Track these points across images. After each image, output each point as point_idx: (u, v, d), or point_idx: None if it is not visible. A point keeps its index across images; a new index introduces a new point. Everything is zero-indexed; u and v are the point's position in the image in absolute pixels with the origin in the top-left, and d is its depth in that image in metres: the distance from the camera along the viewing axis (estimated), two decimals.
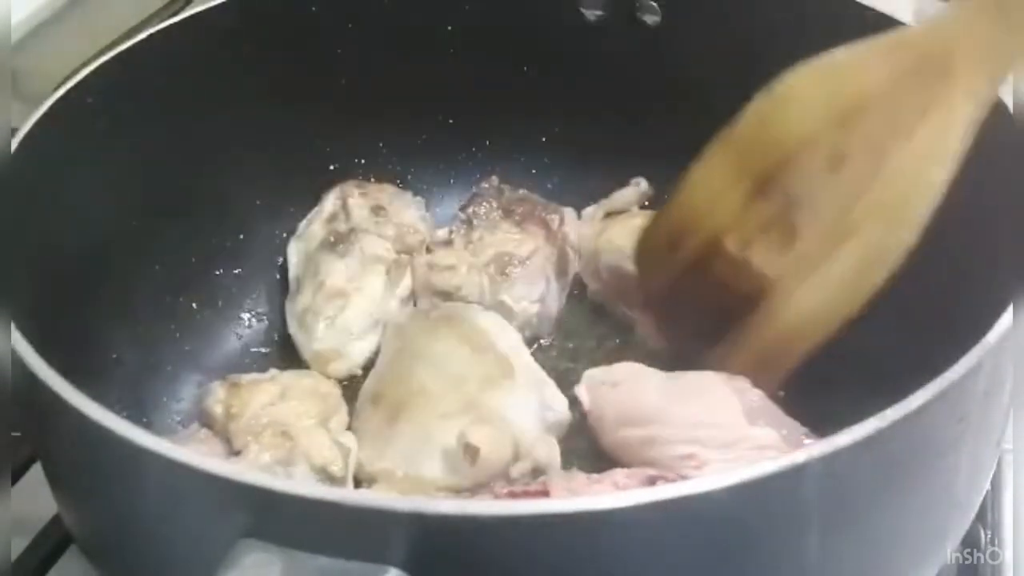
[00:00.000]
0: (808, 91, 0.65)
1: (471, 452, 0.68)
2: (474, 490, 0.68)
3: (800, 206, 0.65)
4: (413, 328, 0.78)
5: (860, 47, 0.64)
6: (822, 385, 0.73)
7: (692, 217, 0.69)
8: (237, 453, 0.68)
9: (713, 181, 0.68)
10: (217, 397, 0.71)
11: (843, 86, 0.64)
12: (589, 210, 0.88)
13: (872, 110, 0.63)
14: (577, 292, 0.86)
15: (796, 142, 0.65)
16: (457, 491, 0.69)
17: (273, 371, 0.74)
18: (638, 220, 0.82)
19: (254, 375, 0.73)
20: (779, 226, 0.66)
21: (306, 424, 0.70)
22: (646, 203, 0.87)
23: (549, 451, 0.69)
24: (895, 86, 0.63)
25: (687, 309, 0.71)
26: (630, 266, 0.79)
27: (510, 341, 0.76)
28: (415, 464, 0.70)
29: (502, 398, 0.72)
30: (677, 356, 0.74)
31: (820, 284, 0.65)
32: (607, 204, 0.87)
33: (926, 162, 0.62)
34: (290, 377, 0.73)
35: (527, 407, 0.72)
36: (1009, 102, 0.63)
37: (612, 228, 0.84)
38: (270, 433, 0.68)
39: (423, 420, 0.71)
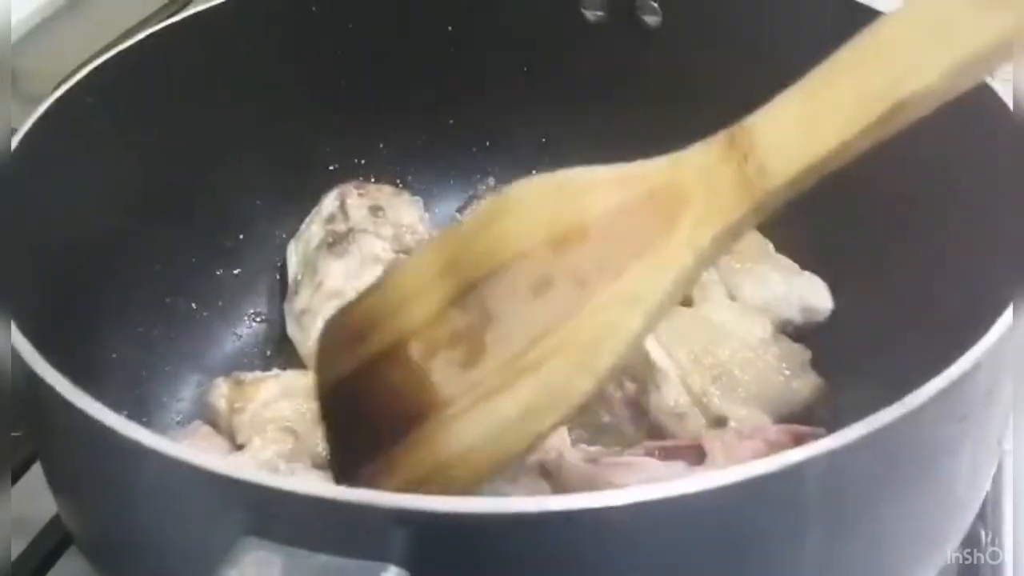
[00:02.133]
0: (537, 204, 0.59)
1: None
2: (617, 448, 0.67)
3: (494, 326, 0.58)
4: None
5: (599, 170, 0.59)
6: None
7: (385, 311, 0.61)
8: (240, 448, 0.68)
9: (418, 276, 0.61)
10: (221, 392, 0.71)
11: (569, 206, 0.58)
12: None
13: (589, 239, 0.57)
14: None
15: (510, 255, 0.58)
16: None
17: (276, 370, 0.75)
18: None
19: (257, 373, 0.74)
20: (468, 342, 0.59)
21: (308, 421, 0.70)
22: None
23: (559, 434, 0.69)
24: (616, 218, 0.57)
25: (356, 411, 0.63)
26: None
27: None
28: None
29: None
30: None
31: (486, 417, 0.57)
32: None
33: (626, 307, 0.56)
34: (291, 376, 0.74)
35: None
36: (1009, 101, 0.63)
37: None
38: (273, 428, 0.69)
39: None
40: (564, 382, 0.56)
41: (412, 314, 0.60)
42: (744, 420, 0.71)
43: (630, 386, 0.73)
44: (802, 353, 0.74)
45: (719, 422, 0.70)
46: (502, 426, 0.57)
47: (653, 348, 0.72)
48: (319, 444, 0.68)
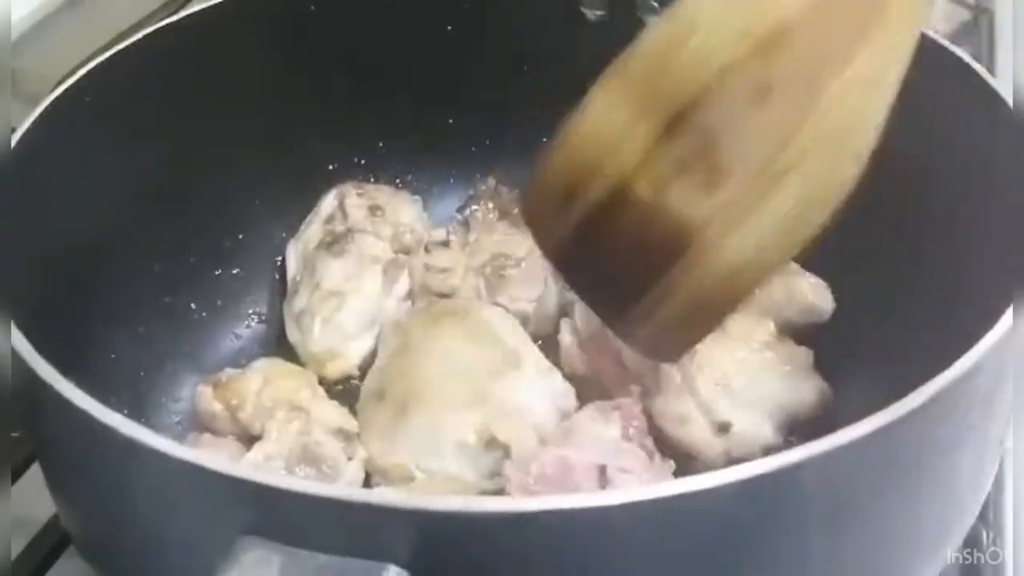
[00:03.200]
0: (719, 17, 0.58)
1: (500, 448, 0.68)
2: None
3: (722, 144, 0.58)
4: (413, 325, 0.78)
5: None
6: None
7: (589, 162, 0.60)
8: (253, 441, 0.69)
9: (611, 120, 0.59)
10: (209, 396, 0.72)
11: (759, 11, 0.57)
12: None
13: (798, 37, 0.57)
14: None
15: (709, 75, 0.57)
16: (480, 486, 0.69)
17: (251, 363, 0.76)
18: None
19: (229, 370, 0.74)
20: (699, 166, 0.58)
21: (305, 395, 0.71)
22: None
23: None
24: (819, 10, 0.57)
25: (597, 264, 0.62)
26: None
27: (514, 332, 0.76)
28: (429, 458, 0.70)
29: (514, 388, 0.72)
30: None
31: (758, 225, 0.58)
32: None
33: (867, 89, 0.57)
34: (263, 364, 0.75)
35: (541, 396, 0.72)
36: (1009, 100, 0.63)
37: None
38: (281, 408, 0.69)
39: (433, 414, 0.72)
40: (828, 175, 0.57)
41: (622, 158, 0.59)
42: (747, 425, 0.71)
43: (634, 388, 0.73)
44: (806, 356, 0.74)
45: (723, 428, 0.70)
46: (780, 226, 0.57)
47: None
48: (328, 414, 0.70)
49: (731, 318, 0.74)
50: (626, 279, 0.60)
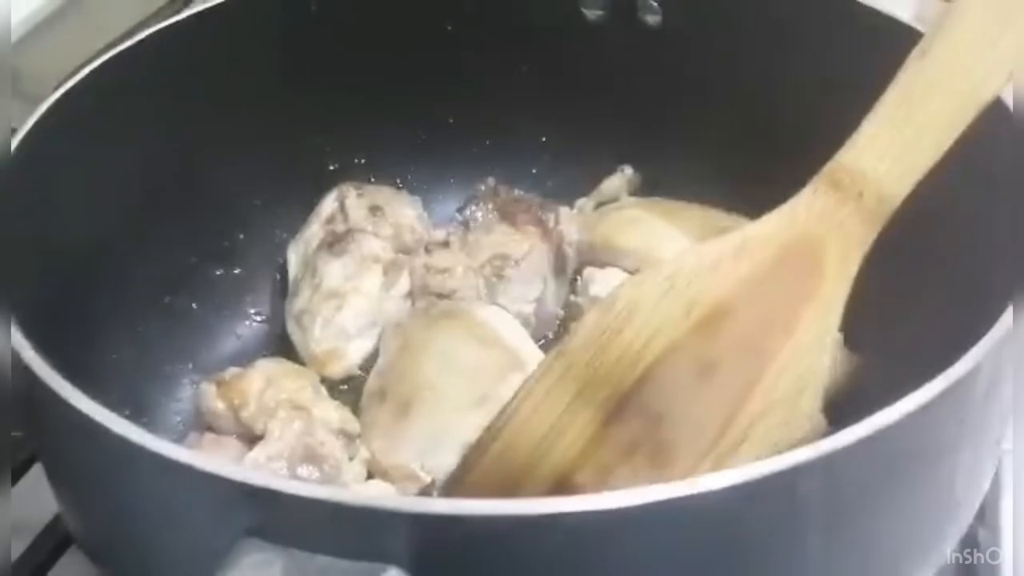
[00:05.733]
0: (654, 304, 0.58)
1: None
2: None
3: (668, 422, 0.57)
4: (413, 326, 0.78)
5: (705, 249, 0.60)
6: None
7: (525, 458, 0.59)
8: (255, 440, 0.69)
9: (548, 414, 0.59)
10: (213, 394, 0.72)
11: (696, 293, 0.58)
12: (581, 201, 0.89)
13: (740, 311, 0.58)
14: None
15: (654, 357, 0.57)
16: None
17: (255, 363, 0.75)
18: (628, 212, 0.83)
19: (232, 369, 0.74)
20: (646, 447, 0.57)
21: (307, 395, 0.71)
22: (634, 191, 0.89)
23: None
24: (757, 284, 0.58)
25: None
26: (627, 264, 0.80)
27: (514, 333, 0.76)
28: (432, 459, 0.70)
29: (516, 389, 0.72)
30: None
31: None
32: (597, 195, 0.88)
33: (814, 352, 0.58)
34: (266, 364, 0.75)
35: None
36: (1009, 102, 0.63)
37: (605, 223, 0.84)
38: (284, 407, 0.70)
39: (436, 414, 0.72)
40: (780, 439, 0.57)
41: (562, 452, 0.58)
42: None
43: None
44: (835, 338, 0.73)
45: None
46: None
47: None
48: (329, 414, 0.70)
49: None
50: None
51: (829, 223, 0.59)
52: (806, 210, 0.59)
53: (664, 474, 0.56)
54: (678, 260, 0.60)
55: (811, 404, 0.58)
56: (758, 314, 0.58)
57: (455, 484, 0.64)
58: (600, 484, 0.57)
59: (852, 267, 0.59)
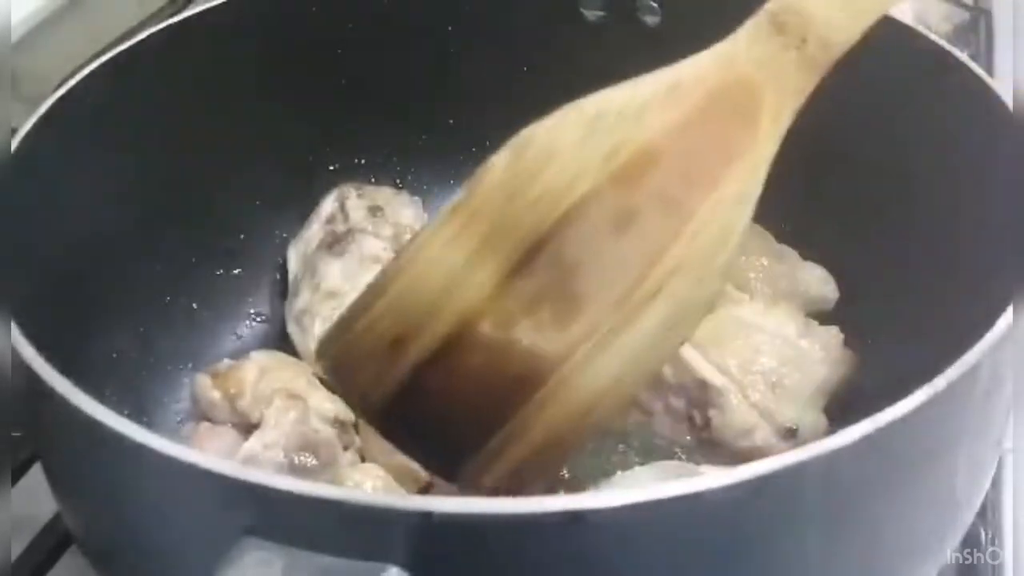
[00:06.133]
0: (579, 143, 0.55)
1: None
2: None
3: (579, 274, 0.54)
4: None
5: (638, 87, 0.56)
6: None
7: (422, 305, 0.55)
8: (251, 429, 0.69)
9: (451, 262, 0.55)
10: (208, 384, 0.72)
11: (621, 135, 0.54)
12: None
13: (662, 159, 0.54)
14: None
15: (571, 203, 0.54)
16: None
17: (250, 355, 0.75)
18: None
19: (227, 361, 0.74)
20: (554, 298, 0.54)
21: (301, 384, 0.71)
22: None
23: None
24: (685, 131, 0.54)
25: (433, 414, 0.56)
26: None
27: None
28: None
29: None
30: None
31: (619, 353, 0.54)
32: None
33: (737, 205, 0.54)
34: (260, 355, 0.75)
35: None
36: (1009, 102, 0.63)
37: None
38: (279, 396, 0.69)
39: None
40: (694, 294, 0.54)
41: (462, 299, 0.55)
42: (810, 424, 0.70)
43: (675, 401, 0.71)
44: (836, 336, 0.73)
45: (789, 433, 0.69)
46: (644, 349, 0.54)
47: (703, 366, 0.70)
48: (324, 403, 0.70)
49: (760, 315, 0.74)
50: (469, 424, 0.55)
51: (768, 70, 0.55)
52: (746, 53, 0.55)
53: (569, 329, 0.54)
54: (603, 100, 0.56)
55: (726, 259, 0.55)
56: (683, 165, 0.54)
57: (343, 331, 0.58)
58: (504, 335, 0.54)
59: (786, 121, 0.55)
